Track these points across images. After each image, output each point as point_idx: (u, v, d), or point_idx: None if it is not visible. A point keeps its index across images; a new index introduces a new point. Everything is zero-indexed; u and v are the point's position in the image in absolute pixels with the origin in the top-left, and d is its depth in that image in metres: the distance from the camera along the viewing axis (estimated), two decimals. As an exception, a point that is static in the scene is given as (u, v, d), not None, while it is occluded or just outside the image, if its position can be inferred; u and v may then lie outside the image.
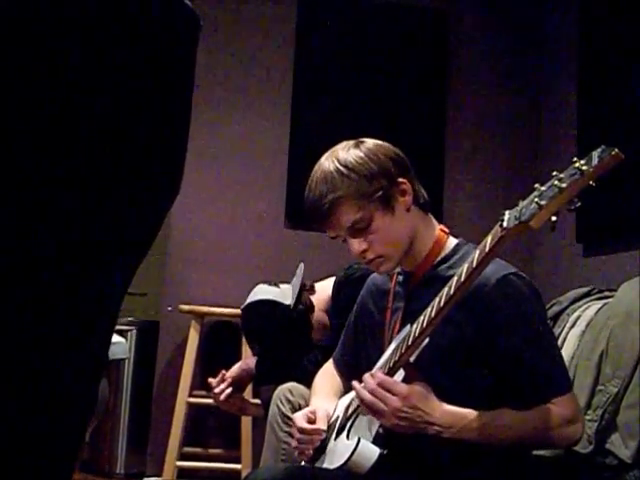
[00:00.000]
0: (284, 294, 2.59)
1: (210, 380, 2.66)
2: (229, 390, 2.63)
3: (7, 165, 0.64)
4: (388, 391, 1.59)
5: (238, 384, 2.69)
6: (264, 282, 2.68)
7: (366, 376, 1.65)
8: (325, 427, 1.81)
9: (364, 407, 1.65)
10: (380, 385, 1.60)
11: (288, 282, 2.66)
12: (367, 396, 1.61)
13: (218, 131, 4.02)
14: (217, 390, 2.62)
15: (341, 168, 1.72)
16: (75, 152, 0.67)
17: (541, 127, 4.13)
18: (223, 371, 2.66)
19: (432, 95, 4.19)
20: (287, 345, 2.58)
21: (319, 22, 4.14)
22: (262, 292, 2.61)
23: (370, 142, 1.78)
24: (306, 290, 2.62)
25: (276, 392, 2.37)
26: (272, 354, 2.61)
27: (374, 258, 1.75)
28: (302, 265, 2.64)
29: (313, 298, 2.62)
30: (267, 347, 2.60)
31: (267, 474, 1.69)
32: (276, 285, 2.64)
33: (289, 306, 2.55)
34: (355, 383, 1.69)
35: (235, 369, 2.69)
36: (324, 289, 2.63)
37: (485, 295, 1.63)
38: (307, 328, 2.58)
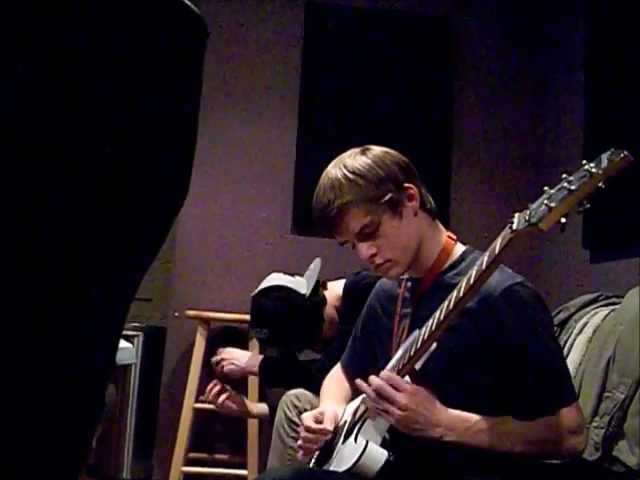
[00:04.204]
0: (299, 284, 2.64)
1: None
2: (224, 395, 2.68)
3: (16, 172, 0.64)
4: (395, 388, 1.60)
5: (228, 379, 2.76)
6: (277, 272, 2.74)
7: (372, 376, 1.66)
8: (331, 428, 1.82)
9: (370, 404, 1.66)
10: (388, 382, 1.61)
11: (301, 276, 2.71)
12: (373, 394, 1.62)
13: (225, 138, 4.03)
14: (215, 390, 2.69)
15: (349, 174, 1.73)
16: (83, 159, 0.67)
17: (547, 132, 4.12)
18: (215, 380, 2.74)
19: (438, 101, 4.19)
20: (297, 333, 2.61)
21: (326, 30, 4.15)
22: (279, 279, 2.67)
23: (376, 149, 1.79)
24: (320, 285, 2.68)
25: (283, 398, 2.38)
26: (281, 340, 2.65)
27: (383, 263, 1.76)
28: (319, 260, 2.69)
29: (325, 294, 2.67)
30: (278, 332, 2.62)
31: (275, 476, 1.69)
32: (291, 275, 2.70)
33: (304, 295, 2.59)
34: (361, 382, 1.69)
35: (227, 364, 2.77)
36: (335, 287, 2.68)
37: (491, 305, 1.64)
38: (319, 320, 2.63)
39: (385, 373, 1.65)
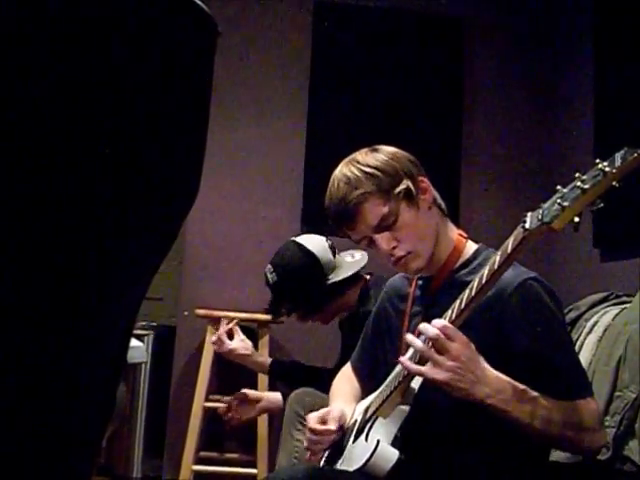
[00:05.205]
0: (330, 264, 2.50)
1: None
2: (228, 415, 2.69)
3: (16, 172, 0.64)
4: (449, 338, 1.50)
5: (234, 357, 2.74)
6: (329, 237, 2.56)
7: (424, 324, 1.54)
8: (335, 427, 1.80)
9: (408, 364, 1.55)
10: (442, 331, 1.50)
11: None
12: (422, 344, 1.52)
13: (234, 137, 4.03)
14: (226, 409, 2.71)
15: (364, 168, 1.73)
16: (83, 159, 0.67)
17: (558, 133, 4.11)
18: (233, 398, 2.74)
19: (448, 102, 4.19)
20: (292, 300, 2.57)
21: (335, 30, 4.15)
22: (320, 247, 2.52)
23: (385, 148, 1.79)
24: (351, 279, 2.51)
25: (292, 395, 2.38)
26: (278, 293, 2.58)
27: (404, 255, 1.73)
28: (365, 255, 2.53)
29: (350, 291, 2.52)
30: (279, 284, 2.55)
31: (287, 475, 1.69)
32: (334, 251, 2.54)
33: (325, 277, 2.49)
34: (409, 336, 1.59)
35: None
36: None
37: (505, 300, 1.62)
38: (316, 307, 2.55)
39: (439, 321, 1.53)
